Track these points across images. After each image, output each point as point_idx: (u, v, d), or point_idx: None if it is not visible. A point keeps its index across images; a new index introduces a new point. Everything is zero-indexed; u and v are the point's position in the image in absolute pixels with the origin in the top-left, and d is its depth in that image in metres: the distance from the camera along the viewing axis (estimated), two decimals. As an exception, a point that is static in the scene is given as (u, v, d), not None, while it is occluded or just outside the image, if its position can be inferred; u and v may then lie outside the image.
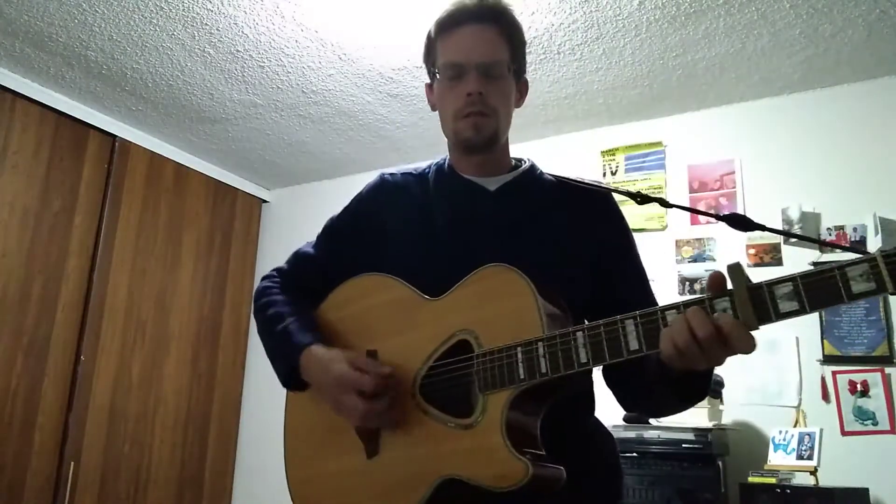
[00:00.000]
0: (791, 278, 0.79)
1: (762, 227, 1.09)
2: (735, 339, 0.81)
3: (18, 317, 2.98)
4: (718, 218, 1.13)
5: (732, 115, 3.07)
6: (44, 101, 3.16)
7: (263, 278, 1.32)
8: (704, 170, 3.05)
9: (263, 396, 3.96)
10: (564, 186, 1.19)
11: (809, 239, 1.39)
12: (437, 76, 1.18)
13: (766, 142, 2.97)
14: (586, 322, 0.96)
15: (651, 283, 1.22)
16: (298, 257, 1.31)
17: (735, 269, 0.83)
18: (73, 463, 3.09)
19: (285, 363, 1.15)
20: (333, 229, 1.30)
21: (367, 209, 1.25)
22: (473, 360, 1.00)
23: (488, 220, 1.14)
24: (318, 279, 1.24)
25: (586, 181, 1.20)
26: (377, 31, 2.65)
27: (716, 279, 0.86)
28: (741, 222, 1.10)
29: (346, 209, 1.30)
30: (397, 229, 1.18)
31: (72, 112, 3.26)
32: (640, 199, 1.17)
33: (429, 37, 1.20)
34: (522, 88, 1.22)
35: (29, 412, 2.97)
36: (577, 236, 1.15)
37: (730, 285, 0.85)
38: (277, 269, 1.32)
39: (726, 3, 2.41)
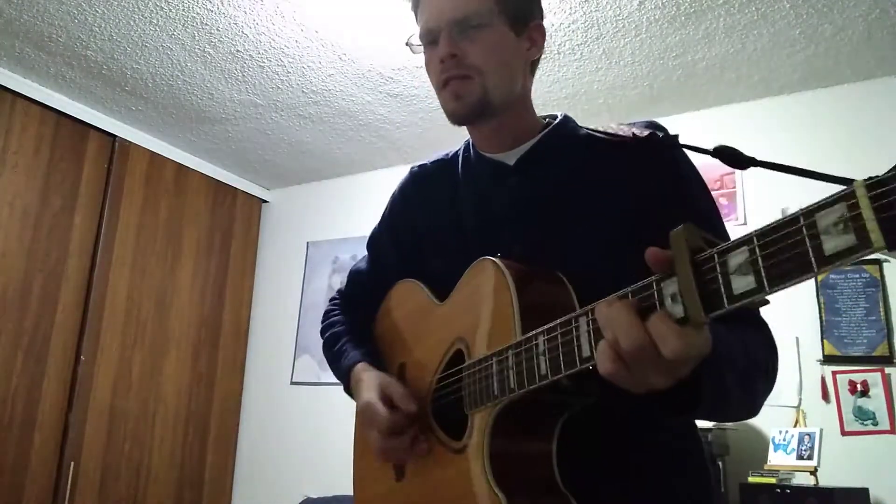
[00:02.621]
0: (747, 238, 0.54)
1: (764, 164, 0.85)
2: (660, 340, 0.58)
3: (18, 317, 2.98)
4: (708, 152, 0.89)
5: (732, 115, 3.07)
6: (44, 101, 3.16)
7: (329, 301, 1.30)
8: (704, 170, 3.02)
9: (263, 396, 3.97)
10: (601, 141, 0.98)
11: (806, 173, 0.88)
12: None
13: (766, 142, 2.97)
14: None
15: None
16: (351, 275, 1.28)
17: (677, 236, 0.58)
18: (73, 463, 3.09)
19: (344, 385, 1.13)
20: (373, 239, 1.24)
21: (399, 211, 1.17)
22: (462, 374, 0.90)
23: (510, 201, 0.99)
24: (371, 292, 1.21)
25: (613, 129, 0.98)
26: (377, 31, 2.65)
27: (655, 257, 0.61)
28: (733, 158, 0.86)
29: (382, 216, 1.22)
30: (429, 226, 1.09)
31: (72, 112, 3.27)
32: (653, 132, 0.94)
33: (413, 9, 1.06)
34: (534, 35, 1.01)
35: (29, 412, 2.97)
36: (615, 201, 0.92)
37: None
38: (339, 291, 1.30)
39: (726, 3, 2.40)
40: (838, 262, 0.47)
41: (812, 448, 2.39)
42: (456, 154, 1.12)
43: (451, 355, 0.96)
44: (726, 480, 2.39)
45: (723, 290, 0.54)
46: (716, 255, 0.55)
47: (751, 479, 2.36)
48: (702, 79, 2.89)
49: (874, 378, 2.55)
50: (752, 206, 2.91)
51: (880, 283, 2.62)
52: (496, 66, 0.96)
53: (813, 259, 0.48)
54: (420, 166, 1.17)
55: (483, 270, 0.90)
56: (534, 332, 0.76)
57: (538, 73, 1.07)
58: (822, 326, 2.67)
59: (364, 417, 0.99)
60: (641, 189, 0.79)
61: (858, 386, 2.56)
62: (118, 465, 3.30)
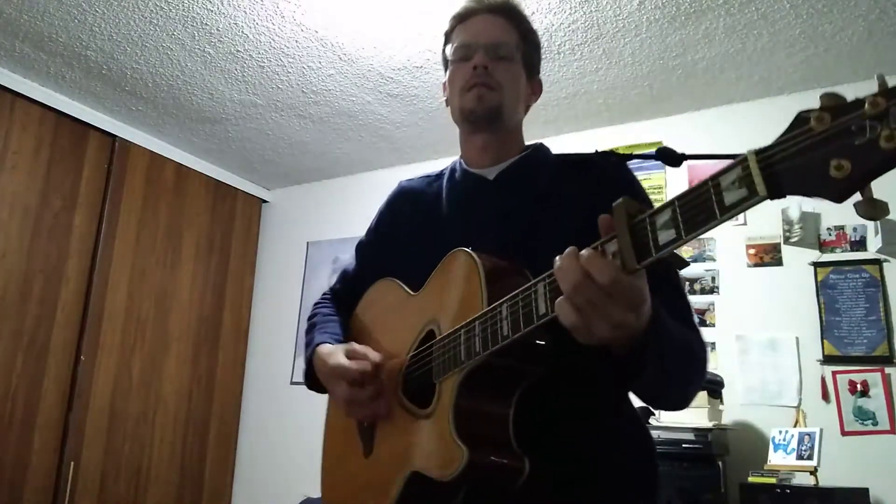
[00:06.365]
0: (670, 202, 0.68)
1: (693, 157, 1.06)
2: (595, 271, 0.71)
3: (18, 317, 2.98)
4: (651, 157, 1.13)
5: (732, 115, 3.07)
6: (44, 101, 3.16)
7: (321, 295, 1.42)
8: (704, 170, 3.03)
9: (263, 396, 3.97)
10: (567, 164, 1.17)
11: (716, 156, 1.13)
12: (450, 62, 1.21)
13: (765, 142, 2.96)
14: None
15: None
16: (341, 275, 1.41)
17: (617, 206, 0.73)
18: (73, 463, 3.09)
19: (306, 364, 1.22)
20: (361, 246, 1.37)
21: (385, 221, 1.32)
22: (433, 348, 0.99)
23: (486, 209, 1.14)
24: (355, 293, 1.33)
25: (581, 153, 1.18)
26: (377, 32, 2.65)
27: (603, 222, 0.76)
28: (671, 156, 1.11)
29: (370, 225, 1.36)
30: (411, 233, 1.23)
31: (72, 112, 3.27)
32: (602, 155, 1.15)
33: (445, 33, 1.26)
34: (535, 87, 1.24)
35: (29, 412, 2.97)
36: (577, 213, 1.05)
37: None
38: (330, 288, 1.42)
39: (726, 3, 2.40)
40: (735, 210, 0.62)
41: (812, 448, 2.39)
42: (442, 172, 1.28)
43: (423, 336, 1.06)
44: (726, 480, 2.39)
45: (651, 242, 0.69)
46: (647, 217, 0.70)
47: (751, 479, 2.36)
48: (702, 79, 2.89)
49: (874, 378, 2.55)
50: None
51: (880, 283, 2.62)
52: (512, 90, 1.16)
53: (717, 209, 0.63)
54: (408, 181, 1.33)
55: (455, 259, 1.01)
56: (499, 302, 0.87)
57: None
58: (822, 326, 2.67)
59: (333, 377, 1.10)
60: (600, 203, 0.91)
61: (858, 386, 2.57)
62: (118, 465, 3.30)
